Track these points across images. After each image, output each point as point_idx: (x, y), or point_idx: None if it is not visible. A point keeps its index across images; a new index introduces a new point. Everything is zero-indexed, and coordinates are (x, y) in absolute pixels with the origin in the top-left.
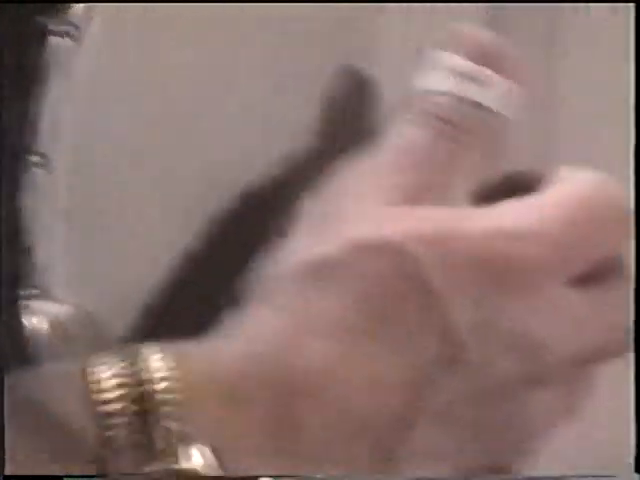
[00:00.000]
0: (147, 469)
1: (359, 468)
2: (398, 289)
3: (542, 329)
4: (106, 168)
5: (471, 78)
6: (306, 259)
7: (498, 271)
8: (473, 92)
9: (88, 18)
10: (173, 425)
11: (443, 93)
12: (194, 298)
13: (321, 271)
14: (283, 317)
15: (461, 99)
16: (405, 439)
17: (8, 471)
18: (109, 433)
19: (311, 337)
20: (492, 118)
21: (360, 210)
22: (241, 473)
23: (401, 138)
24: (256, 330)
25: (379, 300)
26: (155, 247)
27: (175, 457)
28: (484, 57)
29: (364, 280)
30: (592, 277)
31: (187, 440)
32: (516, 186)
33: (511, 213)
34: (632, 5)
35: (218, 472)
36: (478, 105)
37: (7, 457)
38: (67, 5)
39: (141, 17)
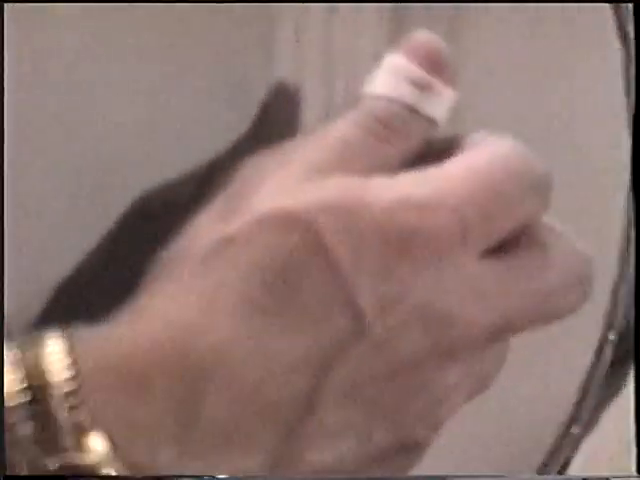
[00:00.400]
0: (47, 463)
1: (264, 448)
2: (301, 262)
3: (449, 301)
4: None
5: (417, 85)
6: (210, 237)
7: (402, 242)
8: (417, 99)
9: None
10: (71, 416)
11: (387, 97)
12: (102, 284)
13: (223, 248)
14: (186, 297)
15: (404, 105)
16: (312, 418)
17: None
18: (9, 424)
19: (214, 316)
20: (429, 126)
21: (267, 187)
22: (144, 462)
23: (332, 131)
24: (159, 312)
25: (282, 274)
26: (62, 235)
27: (76, 450)
28: (431, 64)
29: (266, 254)
30: (504, 247)
31: (86, 431)
32: (438, 153)
33: (417, 182)
34: (632, 5)
35: (117, 465)
36: (418, 112)
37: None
38: None
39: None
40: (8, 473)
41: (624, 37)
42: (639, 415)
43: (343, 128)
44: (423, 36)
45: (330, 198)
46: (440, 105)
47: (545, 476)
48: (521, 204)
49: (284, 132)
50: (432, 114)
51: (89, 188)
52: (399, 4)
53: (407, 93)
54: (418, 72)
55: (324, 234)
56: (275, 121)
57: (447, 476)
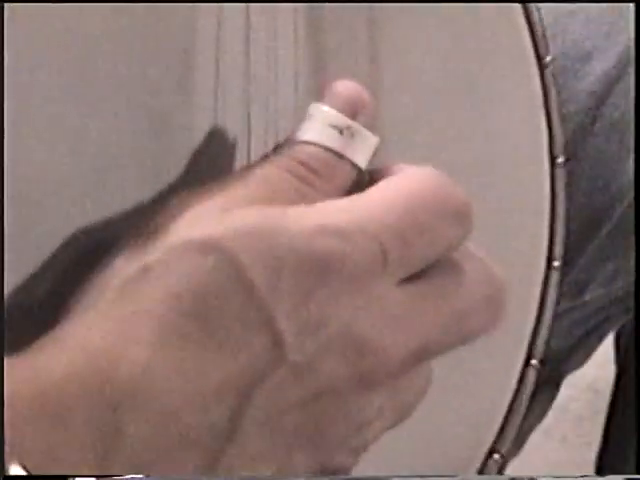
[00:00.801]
0: None
1: (183, 475)
2: (218, 286)
3: (367, 328)
4: None
5: (339, 130)
6: (128, 267)
7: (321, 267)
8: (340, 143)
9: None
10: None
11: (312, 142)
12: (26, 311)
13: (141, 276)
14: (104, 325)
15: (328, 149)
16: (233, 444)
17: None
18: None
19: (132, 343)
20: (352, 169)
21: (186, 219)
22: None
23: (255, 171)
24: (77, 340)
25: (200, 300)
26: None
27: None
28: (353, 110)
29: (183, 280)
30: (423, 272)
31: (3, 460)
32: (358, 184)
33: (335, 209)
34: (632, 5)
35: None
36: (342, 156)
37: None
38: None
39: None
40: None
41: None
42: (639, 415)
43: (267, 169)
44: (344, 84)
45: (247, 224)
46: (363, 149)
47: (546, 476)
48: (441, 232)
49: (208, 174)
50: (355, 158)
51: (21, 222)
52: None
53: (331, 138)
54: (340, 118)
55: (240, 258)
56: (201, 164)
57: (447, 476)
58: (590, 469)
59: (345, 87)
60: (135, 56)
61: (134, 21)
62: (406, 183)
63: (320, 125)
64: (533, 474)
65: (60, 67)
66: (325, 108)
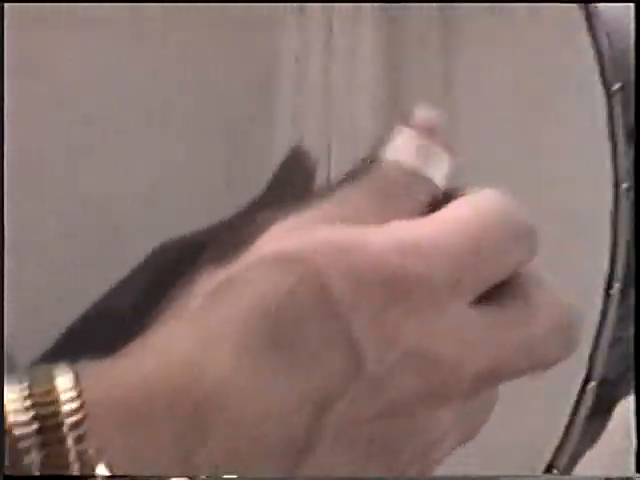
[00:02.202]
0: None
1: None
2: (301, 300)
3: (441, 346)
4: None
5: (421, 150)
6: (213, 279)
7: (396, 285)
8: (420, 163)
9: None
10: (77, 446)
11: (397, 162)
12: (112, 320)
13: (225, 288)
14: (188, 334)
15: (409, 167)
16: (310, 455)
17: None
18: (19, 448)
19: (215, 353)
20: (431, 187)
21: (271, 235)
22: None
23: (344, 193)
24: (162, 348)
25: (282, 312)
26: (72, 270)
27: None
28: (432, 135)
29: (267, 293)
30: (493, 295)
31: (91, 461)
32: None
33: (411, 229)
34: (632, 5)
35: None
36: (421, 175)
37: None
38: None
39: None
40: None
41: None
42: (639, 415)
43: (350, 188)
44: (423, 110)
45: (329, 240)
46: (440, 169)
47: (547, 475)
48: (508, 254)
49: (290, 192)
50: (433, 177)
51: (104, 235)
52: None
53: (414, 159)
54: (423, 141)
55: (323, 273)
56: (282, 183)
57: (448, 477)
58: None
59: (423, 113)
60: (218, 77)
61: (216, 41)
62: (475, 206)
63: (401, 146)
64: None
65: (146, 89)
66: (406, 130)
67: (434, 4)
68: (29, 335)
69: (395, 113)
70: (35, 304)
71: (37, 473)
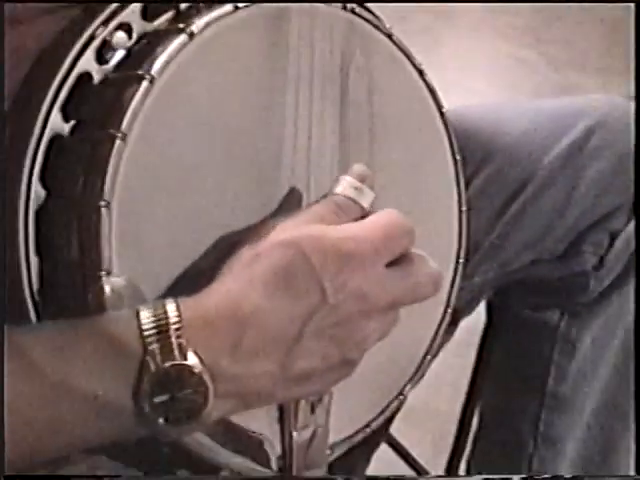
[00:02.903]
0: (165, 364)
1: (276, 358)
2: (295, 266)
3: (369, 288)
4: (153, 176)
5: (356, 189)
6: (248, 252)
7: (345, 256)
8: (356, 195)
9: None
10: (177, 339)
11: (342, 195)
12: (199, 277)
13: (255, 258)
14: (237, 282)
15: (350, 198)
16: (300, 343)
17: None
18: (149, 348)
19: (251, 292)
20: (361, 209)
21: (278, 230)
22: (213, 366)
23: (314, 209)
24: (223, 288)
25: (286, 272)
26: (176, 240)
27: (180, 359)
28: (362, 180)
29: (277, 261)
30: (395, 262)
31: (185, 348)
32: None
33: (352, 227)
34: (632, 5)
35: (202, 368)
36: (356, 202)
37: None
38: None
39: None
40: (7, 473)
41: None
42: (639, 415)
43: (318, 207)
44: (358, 165)
45: (309, 233)
46: (367, 199)
47: (547, 475)
48: (401, 240)
49: (288, 210)
50: (363, 203)
51: (195, 229)
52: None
53: (351, 193)
54: (357, 183)
55: (306, 251)
56: (285, 204)
57: (449, 477)
58: None
59: (358, 167)
60: (253, 136)
61: (249, 109)
62: (385, 216)
63: (346, 185)
64: None
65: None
66: (348, 177)
67: None
68: (151, 284)
69: (342, 167)
70: (154, 269)
71: (155, 355)
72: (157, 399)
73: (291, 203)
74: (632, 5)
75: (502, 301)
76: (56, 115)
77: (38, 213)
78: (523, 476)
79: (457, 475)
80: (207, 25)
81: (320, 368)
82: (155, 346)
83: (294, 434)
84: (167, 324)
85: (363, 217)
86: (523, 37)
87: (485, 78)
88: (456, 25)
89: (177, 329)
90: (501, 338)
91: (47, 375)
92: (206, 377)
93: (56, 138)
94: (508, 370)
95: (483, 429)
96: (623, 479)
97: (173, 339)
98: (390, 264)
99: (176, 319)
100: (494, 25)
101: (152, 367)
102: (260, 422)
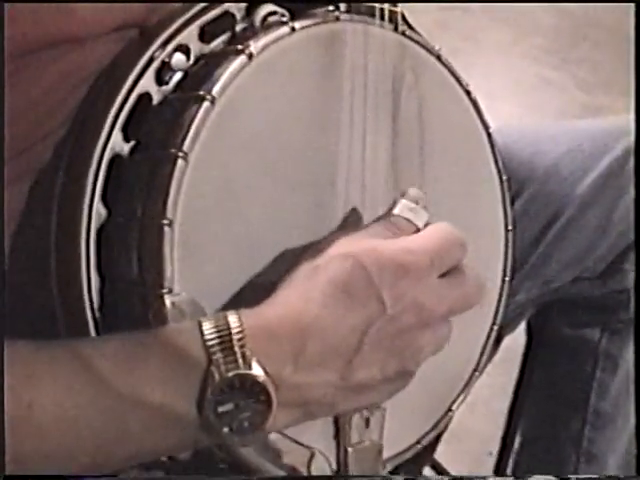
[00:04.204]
0: (229, 375)
1: (337, 368)
2: (354, 278)
3: (425, 298)
4: (211, 197)
5: (412, 210)
6: (308, 266)
7: (401, 268)
8: (412, 217)
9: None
10: (240, 349)
11: (400, 215)
12: (257, 295)
13: (314, 271)
14: (298, 294)
15: (407, 219)
16: (359, 353)
17: None
18: (213, 358)
19: (312, 304)
20: (416, 228)
21: (337, 244)
22: (275, 374)
23: (374, 228)
24: (284, 300)
25: (345, 283)
26: (235, 259)
27: (244, 368)
28: (416, 200)
29: (337, 273)
30: (448, 273)
31: (248, 357)
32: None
33: (409, 241)
34: (632, 5)
35: (265, 377)
36: (412, 222)
37: None
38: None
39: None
40: (7, 473)
41: None
42: (639, 415)
43: (376, 226)
44: (415, 190)
45: (368, 247)
46: (422, 219)
47: (548, 476)
48: (455, 253)
49: (346, 229)
50: (418, 224)
51: (253, 234)
52: None
53: (408, 214)
54: (413, 205)
55: (365, 263)
56: (343, 224)
57: (450, 477)
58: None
59: (414, 191)
60: (311, 160)
61: (306, 139)
62: (439, 230)
63: (402, 207)
64: None
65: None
66: (404, 200)
67: None
68: (212, 302)
69: (395, 185)
70: (215, 288)
71: (219, 364)
72: (221, 408)
73: (350, 222)
74: (632, 5)
75: (543, 319)
76: (117, 135)
77: (99, 232)
78: None
79: None
80: (265, 47)
81: (378, 378)
82: (219, 355)
83: (349, 449)
84: (230, 334)
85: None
86: (549, 58)
87: (512, 99)
88: (483, 47)
89: (240, 339)
90: (542, 357)
91: (114, 387)
92: (269, 386)
93: (116, 158)
94: (550, 388)
95: (525, 448)
96: (625, 479)
97: (237, 348)
98: (442, 275)
99: (238, 329)
100: (521, 47)
101: (216, 377)
102: (315, 438)
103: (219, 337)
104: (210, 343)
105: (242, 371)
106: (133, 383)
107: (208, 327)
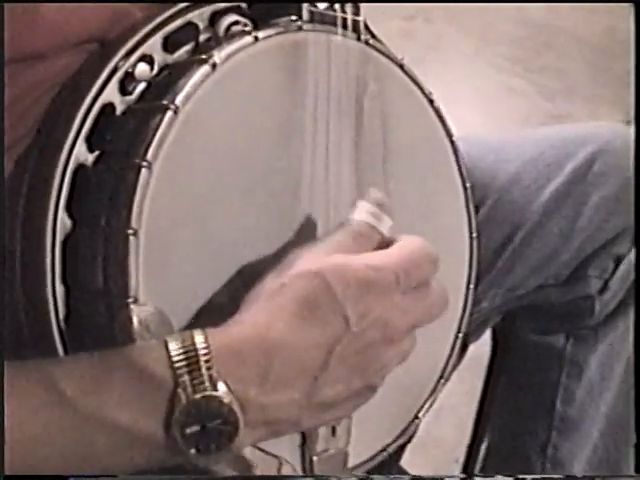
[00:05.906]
0: (195, 397)
1: (302, 387)
2: (319, 295)
3: (389, 316)
4: (181, 205)
5: (374, 215)
6: (273, 283)
7: (366, 285)
8: (374, 222)
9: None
10: (207, 370)
11: (362, 220)
12: (222, 305)
13: (279, 289)
14: (262, 313)
15: (369, 224)
16: (325, 371)
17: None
18: (180, 380)
19: (276, 322)
20: (379, 235)
21: (302, 260)
22: (242, 395)
23: (334, 237)
24: (248, 319)
25: (309, 301)
26: (200, 268)
27: (210, 390)
28: (380, 205)
29: (301, 291)
30: (414, 288)
31: (215, 379)
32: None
33: (375, 257)
34: (632, 5)
35: (231, 398)
36: (375, 228)
37: None
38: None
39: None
40: (7, 473)
41: None
42: (639, 415)
43: (340, 237)
44: (376, 192)
45: (332, 263)
46: (385, 225)
47: (550, 475)
48: (424, 268)
49: (305, 240)
50: (382, 230)
51: (216, 259)
52: None
53: (370, 219)
54: (374, 209)
55: (329, 280)
56: (303, 234)
57: (446, 476)
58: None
59: (374, 192)
60: (275, 171)
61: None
62: (407, 245)
63: (363, 211)
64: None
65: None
66: (364, 203)
67: None
68: (177, 311)
69: (359, 194)
70: (180, 297)
71: (186, 387)
72: (189, 430)
73: (307, 232)
74: (632, 5)
75: (508, 326)
76: (81, 145)
77: (65, 242)
78: None
79: None
80: (228, 56)
81: (344, 395)
82: (186, 378)
83: (314, 458)
84: (197, 355)
85: (385, 243)
86: (513, 66)
87: (475, 108)
88: (446, 56)
89: (207, 360)
90: (508, 363)
91: (80, 408)
92: (236, 407)
93: (81, 168)
94: (516, 395)
95: (491, 454)
96: (623, 479)
97: (204, 370)
98: (409, 289)
99: (205, 350)
100: (484, 55)
101: (183, 399)
102: (282, 446)
103: (186, 358)
104: (177, 365)
105: (209, 393)
106: (99, 404)
107: (175, 347)
